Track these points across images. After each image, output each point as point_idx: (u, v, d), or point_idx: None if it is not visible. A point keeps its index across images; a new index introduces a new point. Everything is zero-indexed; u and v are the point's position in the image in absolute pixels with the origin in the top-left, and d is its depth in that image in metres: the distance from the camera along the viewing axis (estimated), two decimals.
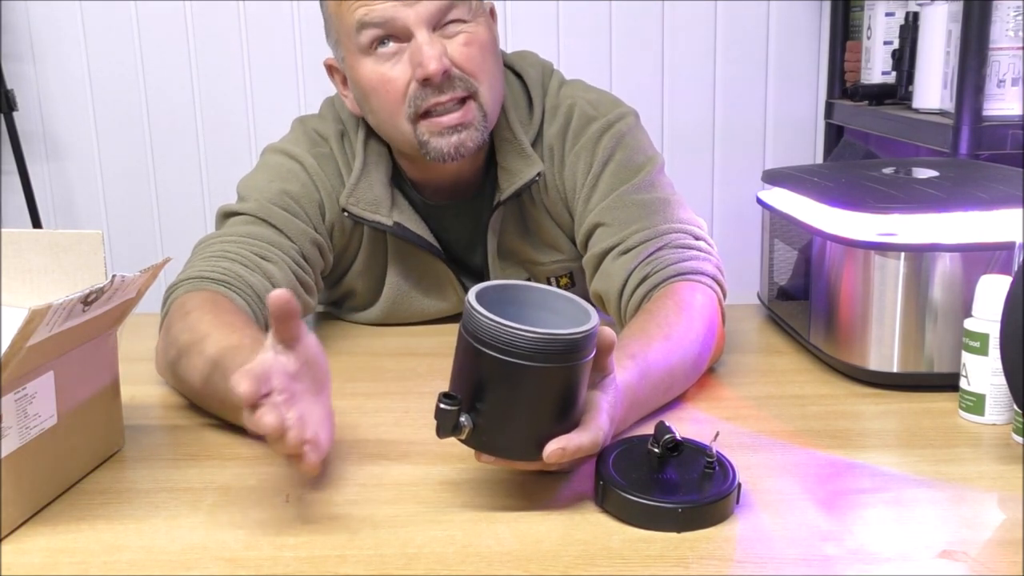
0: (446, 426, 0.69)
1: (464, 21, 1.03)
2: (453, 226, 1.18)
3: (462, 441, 0.70)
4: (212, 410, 0.90)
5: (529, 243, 1.17)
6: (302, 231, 1.09)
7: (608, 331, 0.72)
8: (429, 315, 1.21)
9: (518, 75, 1.16)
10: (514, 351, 0.66)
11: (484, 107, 1.05)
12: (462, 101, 1.04)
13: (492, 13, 1.11)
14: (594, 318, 0.70)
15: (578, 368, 0.69)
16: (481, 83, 1.04)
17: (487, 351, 0.67)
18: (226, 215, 1.10)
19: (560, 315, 0.72)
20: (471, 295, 0.69)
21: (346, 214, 1.12)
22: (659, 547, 0.67)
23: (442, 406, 0.69)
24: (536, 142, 1.13)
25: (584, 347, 0.69)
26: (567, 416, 0.70)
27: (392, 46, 1.02)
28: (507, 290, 0.73)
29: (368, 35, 1.02)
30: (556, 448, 0.69)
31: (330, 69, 1.13)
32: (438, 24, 1.02)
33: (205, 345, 0.86)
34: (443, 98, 1.02)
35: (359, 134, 1.13)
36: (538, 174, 1.11)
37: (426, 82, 1.01)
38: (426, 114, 1.04)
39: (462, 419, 0.69)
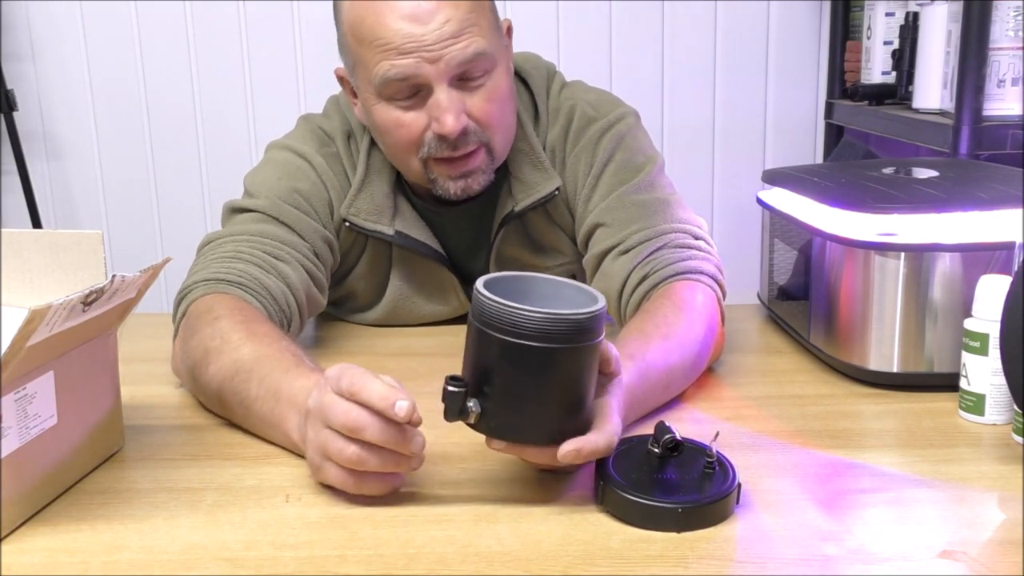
0: (453, 409, 0.69)
1: (487, 70, 1.02)
2: (456, 231, 1.17)
3: (471, 426, 0.71)
4: (228, 413, 0.89)
5: (531, 249, 1.17)
6: (314, 229, 1.09)
7: (606, 343, 0.72)
8: (430, 319, 1.20)
9: (524, 81, 1.16)
10: (516, 331, 0.67)
11: (494, 153, 1.07)
12: (474, 151, 1.05)
13: (509, 31, 1.11)
14: (600, 302, 0.70)
15: (583, 351, 0.69)
16: (496, 134, 1.05)
17: (493, 333, 0.68)
18: (234, 211, 1.09)
19: (571, 304, 0.72)
20: (479, 283, 0.70)
21: (347, 224, 1.12)
22: (659, 547, 0.67)
23: (449, 388, 0.69)
24: (543, 147, 1.13)
25: (589, 328, 0.68)
26: (575, 404, 0.70)
27: (412, 99, 1.02)
28: (518, 281, 0.74)
29: (390, 89, 1.01)
30: (571, 449, 0.69)
31: (341, 80, 1.12)
32: (460, 76, 1.01)
33: (240, 352, 0.87)
34: (456, 153, 1.03)
35: (364, 141, 1.12)
36: (556, 189, 1.11)
37: (442, 137, 1.02)
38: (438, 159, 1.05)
39: (470, 404, 0.69)
